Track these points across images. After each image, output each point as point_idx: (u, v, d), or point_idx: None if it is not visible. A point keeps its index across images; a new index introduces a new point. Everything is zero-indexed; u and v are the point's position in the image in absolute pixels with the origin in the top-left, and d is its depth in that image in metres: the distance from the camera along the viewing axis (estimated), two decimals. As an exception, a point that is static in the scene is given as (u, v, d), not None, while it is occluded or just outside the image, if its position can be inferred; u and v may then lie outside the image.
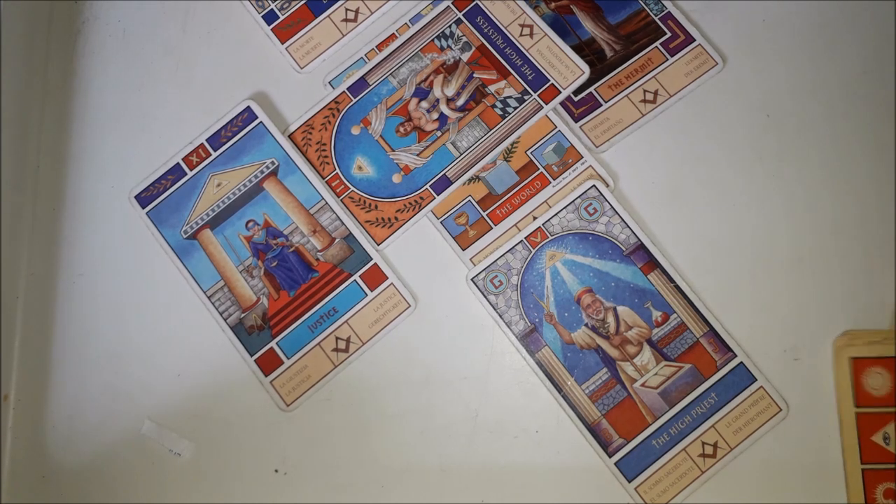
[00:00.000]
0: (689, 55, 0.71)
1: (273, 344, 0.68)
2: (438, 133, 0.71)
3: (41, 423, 0.69)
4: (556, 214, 0.69)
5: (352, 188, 0.71)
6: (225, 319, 0.69)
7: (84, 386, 0.70)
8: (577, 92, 0.71)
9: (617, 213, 0.68)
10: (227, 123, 0.72)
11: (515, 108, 0.70)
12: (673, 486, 0.64)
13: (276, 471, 0.67)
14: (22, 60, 0.74)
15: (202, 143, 0.72)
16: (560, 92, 0.70)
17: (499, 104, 0.71)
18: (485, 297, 0.68)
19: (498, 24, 0.72)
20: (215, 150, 0.72)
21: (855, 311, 0.67)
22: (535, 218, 0.69)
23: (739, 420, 0.65)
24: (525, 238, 0.68)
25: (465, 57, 0.72)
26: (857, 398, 0.64)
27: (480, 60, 0.72)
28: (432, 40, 0.73)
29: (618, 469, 0.65)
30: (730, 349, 0.66)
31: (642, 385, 0.66)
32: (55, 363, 0.70)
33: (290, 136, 0.72)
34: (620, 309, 0.67)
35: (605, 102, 0.71)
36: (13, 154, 0.72)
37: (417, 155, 0.71)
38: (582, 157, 0.70)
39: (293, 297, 0.69)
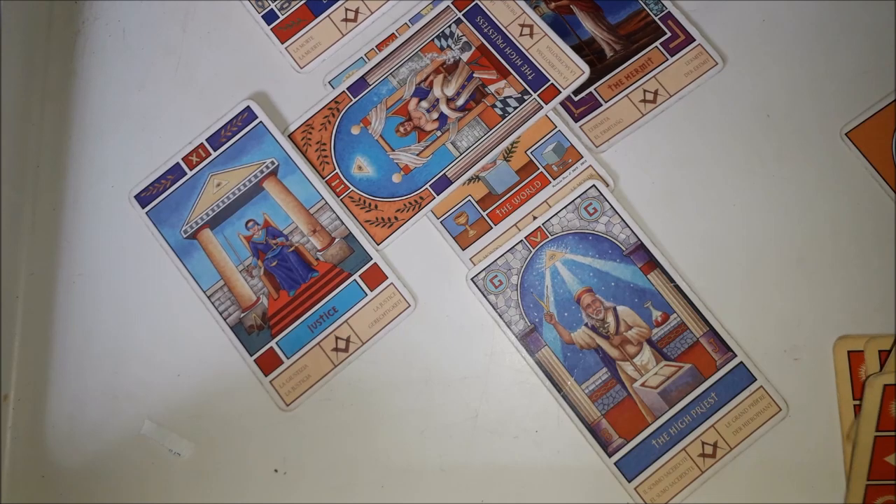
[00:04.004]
0: (689, 55, 0.71)
1: (273, 343, 0.68)
2: (438, 133, 0.71)
3: (41, 422, 0.69)
4: (555, 214, 0.69)
5: (352, 188, 0.71)
6: (225, 319, 0.69)
7: (84, 386, 0.70)
8: (576, 92, 0.71)
9: (617, 212, 0.68)
10: (227, 123, 0.72)
11: (515, 108, 0.70)
12: (673, 486, 0.64)
13: (276, 471, 0.67)
14: (22, 60, 0.74)
15: (202, 143, 0.72)
16: (560, 92, 0.70)
17: (499, 104, 0.71)
18: (484, 296, 0.68)
19: (498, 23, 0.72)
20: (215, 150, 0.72)
21: (855, 312, 0.67)
22: (534, 218, 0.69)
23: (739, 420, 0.65)
24: (525, 238, 0.68)
25: (465, 57, 0.72)
26: (880, 423, 0.64)
27: (480, 60, 0.72)
28: (432, 40, 0.73)
29: (618, 469, 0.65)
30: (730, 349, 0.66)
31: (642, 385, 0.66)
32: (55, 363, 0.70)
33: (290, 136, 0.72)
34: (620, 309, 0.67)
35: (605, 102, 0.71)
36: (13, 154, 0.72)
37: (417, 155, 0.71)
38: (582, 157, 0.70)
39: (293, 297, 0.69)
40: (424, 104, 0.72)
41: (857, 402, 0.64)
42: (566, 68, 0.70)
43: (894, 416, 0.64)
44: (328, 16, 0.74)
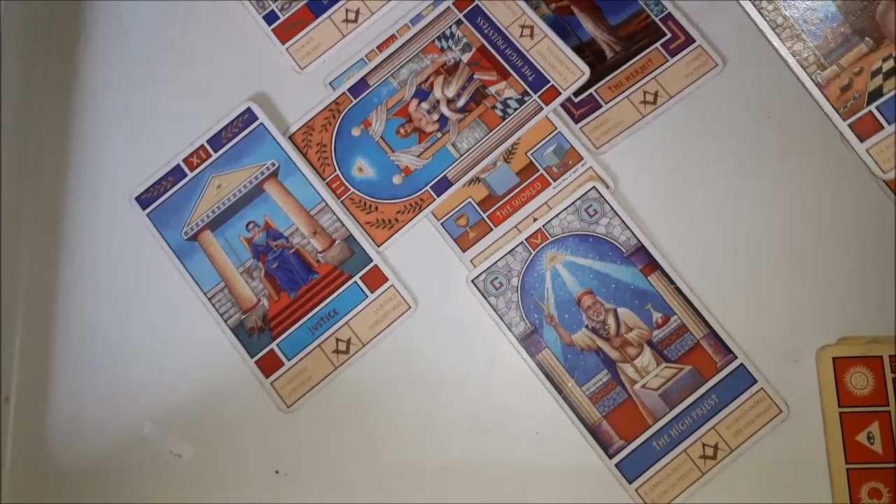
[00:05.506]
0: (689, 56, 0.71)
1: (273, 345, 0.68)
2: (439, 134, 0.71)
3: (42, 424, 0.69)
4: (556, 216, 0.69)
5: (352, 189, 0.71)
6: (225, 321, 0.69)
7: (85, 387, 0.70)
8: (577, 93, 0.71)
9: (617, 214, 0.68)
10: (228, 125, 0.72)
11: (516, 110, 0.70)
12: (673, 488, 0.64)
13: (277, 472, 0.67)
14: (23, 61, 0.73)
15: (202, 145, 0.72)
16: (560, 93, 0.70)
17: (499, 105, 0.71)
18: (485, 298, 0.68)
19: (498, 24, 0.72)
20: (216, 152, 0.72)
21: (855, 313, 0.67)
22: (535, 219, 0.69)
23: (740, 422, 0.65)
24: (525, 240, 0.68)
25: (466, 58, 0.72)
26: (840, 398, 0.64)
27: (481, 61, 0.72)
28: (433, 41, 0.73)
29: (618, 470, 0.65)
30: (730, 351, 0.66)
31: (643, 387, 0.66)
32: (56, 365, 0.70)
33: (291, 138, 0.72)
34: (621, 311, 0.67)
35: (606, 104, 0.71)
36: (13, 154, 0.72)
37: (418, 156, 0.71)
38: (582, 159, 0.70)
39: (293, 299, 0.69)
40: (425, 105, 0.72)
41: (843, 409, 0.64)
42: (566, 69, 0.70)
43: (852, 389, 0.64)
44: (329, 17, 0.74)
